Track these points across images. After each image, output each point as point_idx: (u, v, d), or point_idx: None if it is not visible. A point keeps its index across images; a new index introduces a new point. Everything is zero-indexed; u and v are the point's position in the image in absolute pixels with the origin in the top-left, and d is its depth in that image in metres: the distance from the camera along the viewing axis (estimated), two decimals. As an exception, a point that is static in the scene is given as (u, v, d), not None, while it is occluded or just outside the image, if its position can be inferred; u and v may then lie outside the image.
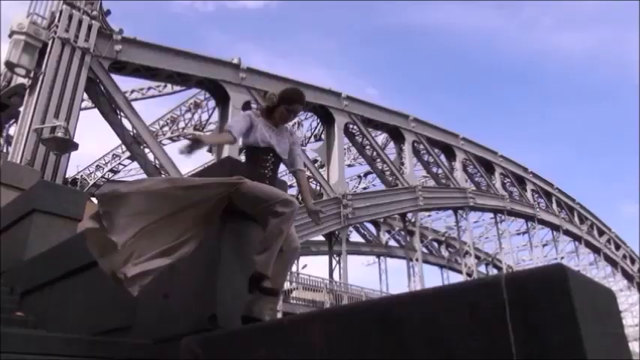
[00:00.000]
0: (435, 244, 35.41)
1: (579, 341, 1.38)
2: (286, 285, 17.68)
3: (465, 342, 1.60)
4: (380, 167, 23.77)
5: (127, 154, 21.71)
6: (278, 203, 2.81)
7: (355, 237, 29.66)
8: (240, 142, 3.21)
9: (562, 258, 33.67)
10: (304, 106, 3.24)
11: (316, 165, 21.99)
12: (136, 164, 20.23)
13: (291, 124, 3.56)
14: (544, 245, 34.07)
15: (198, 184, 2.87)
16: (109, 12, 15.95)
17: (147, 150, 16.70)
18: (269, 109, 3.17)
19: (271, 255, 2.81)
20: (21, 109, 14.64)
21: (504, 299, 1.54)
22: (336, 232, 21.05)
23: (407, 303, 1.89)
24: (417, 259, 24.38)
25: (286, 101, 3.15)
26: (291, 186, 23.94)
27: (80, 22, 14.82)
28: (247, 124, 3.06)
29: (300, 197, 3.57)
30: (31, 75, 14.09)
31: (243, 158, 3.30)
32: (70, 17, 14.61)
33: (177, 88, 20.07)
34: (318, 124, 23.08)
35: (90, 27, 15.01)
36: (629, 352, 1.67)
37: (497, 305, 1.55)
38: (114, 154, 24.55)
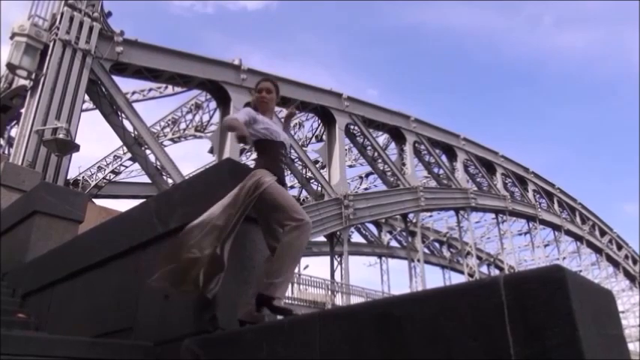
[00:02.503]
0: (437, 245, 35.41)
1: (577, 342, 1.38)
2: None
3: (465, 342, 1.61)
4: (381, 168, 23.76)
5: (129, 155, 21.73)
6: (296, 214, 2.77)
7: (357, 238, 29.68)
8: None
9: (564, 258, 33.65)
10: (273, 84, 3.29)
11: (317, 166, 21.98)
12: (137, 165, 20.24)
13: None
14: (546, 245, 34.10)
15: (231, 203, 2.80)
16: (109, 14, 15.98)
17: (148, 151, 16.73)
18: (253, 104, 3.24)
19: (289, 277, 2.74)
20: (22, 110, 14.68)
21: (503, 300, 1.55)
22: (338, 233, 21.04)
23: (407, 303, 1.89)
24: (418, 260, 24.35)
25: (255, 89, 3.28)
26: (292, 187, 23.96)
27: (81, 23, 14.85)
28: (248, 117, 3.06)
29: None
30: (33, 77, 14.13)
31: (243, 159, 3.30)
32: (71, 19, 14.65)
33: (178, 89, 20.09)
34: (319, 124, 23.09)
35: (91, 29, 15.05)
36: (627, 352, 1.67)
37: (496, 306, 1.56)
38: (115, 156, 24.56)
